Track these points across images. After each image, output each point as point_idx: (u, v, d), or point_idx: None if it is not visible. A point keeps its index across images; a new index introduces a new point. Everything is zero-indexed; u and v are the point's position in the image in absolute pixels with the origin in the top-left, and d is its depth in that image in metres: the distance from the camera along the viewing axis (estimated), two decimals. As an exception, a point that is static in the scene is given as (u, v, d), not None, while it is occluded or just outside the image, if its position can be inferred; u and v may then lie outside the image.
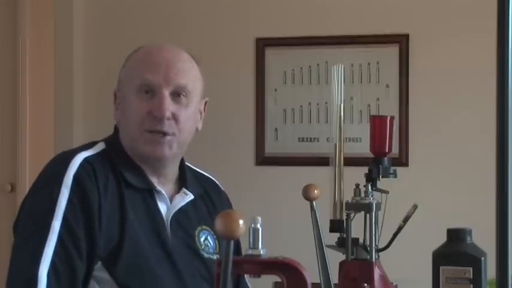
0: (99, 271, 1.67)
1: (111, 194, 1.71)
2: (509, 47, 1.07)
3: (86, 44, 4.11)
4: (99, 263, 1.67)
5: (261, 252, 1.17)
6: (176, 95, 1.76)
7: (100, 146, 1.80)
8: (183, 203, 1.81)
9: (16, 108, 4.25)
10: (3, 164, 4.30)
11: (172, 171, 1.84)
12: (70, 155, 1.73)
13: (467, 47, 3.70)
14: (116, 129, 1.83)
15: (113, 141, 1.82)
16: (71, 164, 1.70)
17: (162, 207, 1.79)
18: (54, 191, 1.66)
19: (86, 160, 1.72)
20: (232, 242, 1.05)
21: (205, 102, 1.87)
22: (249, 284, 1.92)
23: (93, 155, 1.75)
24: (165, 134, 1.74)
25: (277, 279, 1.18)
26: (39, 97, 4.22)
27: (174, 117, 1.75)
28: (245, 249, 1.19)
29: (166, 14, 4.02)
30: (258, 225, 1.17)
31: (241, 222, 1.06)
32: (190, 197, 1.83)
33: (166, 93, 1.74)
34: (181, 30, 3.94)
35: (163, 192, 1.79)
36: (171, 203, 1.80)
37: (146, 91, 1.75)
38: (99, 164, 1.73)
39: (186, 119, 1.77)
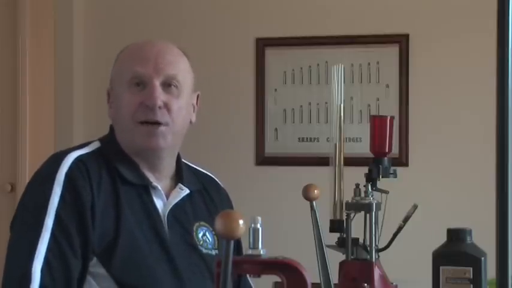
0: (95, 267, 1.68)
1: (104, 191, 1.72)
2: (509, 47, 1.07)
3: (86, 44, 4.11)
4: (95, 258, 1.68)
5: (261, 252, 1.17)
6: (167, 85, 1.77)
7: (94, 145, 1.81)
8: (179, 198, 1.82)
9: (16, 108, 4.25)
10: (3, 164, 4.30)
11: (169, 166, 1.84)
12: (63, 154, 1.75)
13: (467, 47, 3.70)
14: (112, 128, 1.85)
15: (109, 139, 1.83)
16: (63, 163, 1.71)
17: (159, 203, 1.79)
18: (47, 189, 1.68)
19: (78, 159, 1.73)
20: (232, 242, 1.05)
21: (198, 96, 1.88)
22: (251, 284, 1.92)
23: (86, 153, 1.76)
24: (158, 124, 1.75)
25: (277, 279, 1.18)
26: (39, 97, 4.22)
27: (166, 107, 1.76)
28: (245, 249, 1.19)
29: (166, 14, 4.02)
30: (258, 225, 1.17)
31: (241, 222, 1.06)
32: (186, 191, 1.84)
33: (157, 83, 1.75)
34: (181, 30, 3.94)
35: (159, 188, 1.79)
36: (167, 199, 1.81)
37: (137, 83, 1.76)
38: (93, 163, 1.74)
39: (179, 108, 1.77)
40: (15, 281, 1.63)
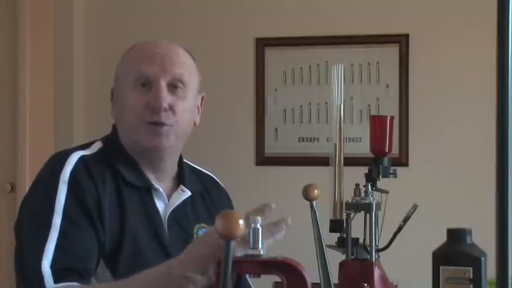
0: (102, 270, 1.67)
1: (109, 191, 1.71)
2: (509, 46, 1.07)
3: (86, 43, 4.11)
4: (102, 262, 1.67)
5: (261, 252, 1.17)
6: (173, 86, 1.77)
7: (97, 146, 1.80)
8: (180, 201, 1.82)
9: (16, 108, 4.25)
10: (3, 164, 4.30)
11: (170, 166, 1.84)
12: (66, 153, 1.75)
13: (467, 47, 3.70)
14: (114, 127, 1.84)
15: (111, 139, 1.82)
16: (67, 162, 1.71)
17: (160, 205, 1.79)
18: (52, 188, 1.67)
19: (82, 158, 1.73)
20: (232, 242, 1.05)
21: (202, 98, 1.88)
22: (250, 284, 1.92)
23: (89, 155, 1.76)
24: (162, 124, 1.75)
25: (277, 279, 1.18)
26: (39, 97, 4.22)
27: (171, 108, 1.76)
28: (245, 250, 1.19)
29: (166, 14, 4.02)
30: (258, 225, 1.17)
31: (241, 222, 1.06)
32: (187, 194, 1.84)
33: (163, 83, 1.75)
34: (182, 30, 3.94)
35: (160, 190, 1.79)
36: (168, 200, 1.81)
37: (143, 84, 1.76)
38: (96, 164, 1.73)
39: (183, 110, 1.77)
40: (28, 283, 1.62)
